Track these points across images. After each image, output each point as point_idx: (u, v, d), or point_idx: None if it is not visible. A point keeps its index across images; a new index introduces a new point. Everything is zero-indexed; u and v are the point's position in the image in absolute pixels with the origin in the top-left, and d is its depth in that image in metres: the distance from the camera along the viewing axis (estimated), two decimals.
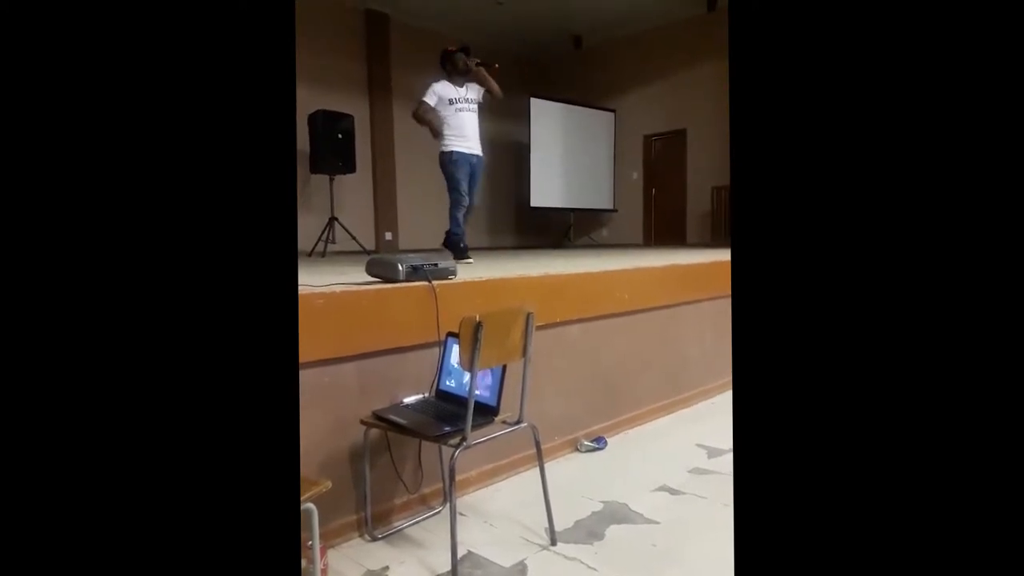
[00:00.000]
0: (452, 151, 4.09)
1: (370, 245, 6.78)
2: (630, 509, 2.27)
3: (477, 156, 4.20)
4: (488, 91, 4.14)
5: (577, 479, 2.56)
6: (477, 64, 4.06)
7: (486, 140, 8.37)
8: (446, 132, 4.08)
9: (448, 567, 1.83)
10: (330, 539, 2.01)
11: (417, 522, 2.22)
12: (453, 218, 4.22)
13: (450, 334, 2.12)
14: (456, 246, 4.19)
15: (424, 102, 4.01)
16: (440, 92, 4.02)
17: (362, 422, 2.03)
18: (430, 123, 4.05)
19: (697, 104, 7.76)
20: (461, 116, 4.08)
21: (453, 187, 4.17)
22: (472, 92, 4.12)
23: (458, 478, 2.29)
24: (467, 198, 4.18)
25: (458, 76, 4.08)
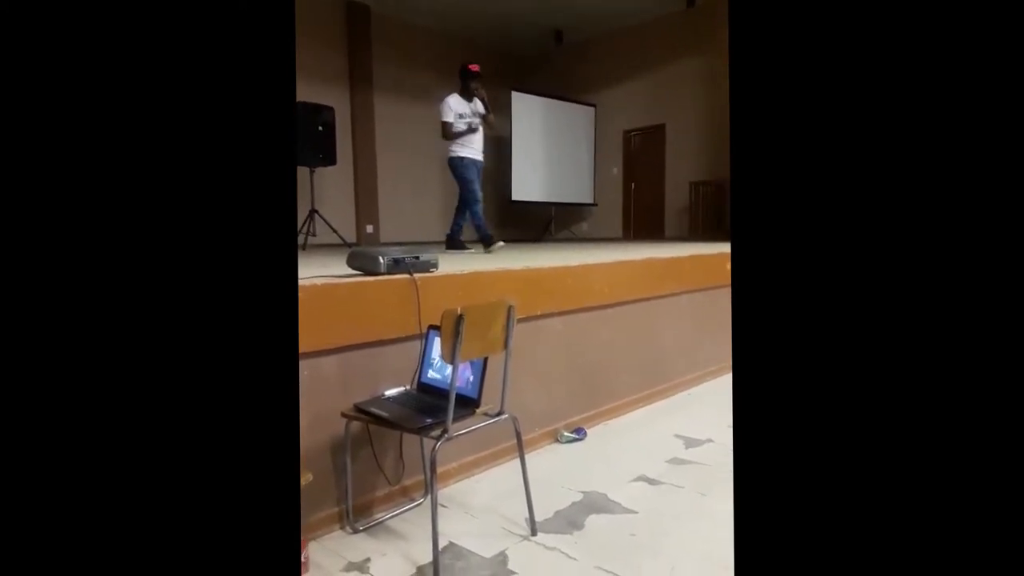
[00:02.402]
0: (463, 156, 4.65)
1: (351, 238, 6.73)
2: (609, 499, 2.30)
3: (481, 161, 4.79)
4: (485, 115, 4.72)
5: (557, 470, 2.59)
6: (482, 98, 4.67)
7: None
8: (458, 140, 4.63)
9: (429, 558, 1.84)
10: (311, 532, 2.01)
11: (398, 514, 2.23)
12: (474, 214, 4.75)
13: (432, 327, 2.12)
14: (485, 237, 4.72)
15: (447, 123, 4.57)
16: (455, 108, 4.59)
17: (343, 415, 2.03)
18: (455, 134, 4.61)
19: (676, 99, 7.81)
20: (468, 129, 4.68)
21: (468, 188, 4.70)
22: (478, 107, 4.72)
23: (439, 470, 2.30)
24: (480, 194, 4.72)
25: (466, 94, 4.65)
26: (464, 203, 4.78)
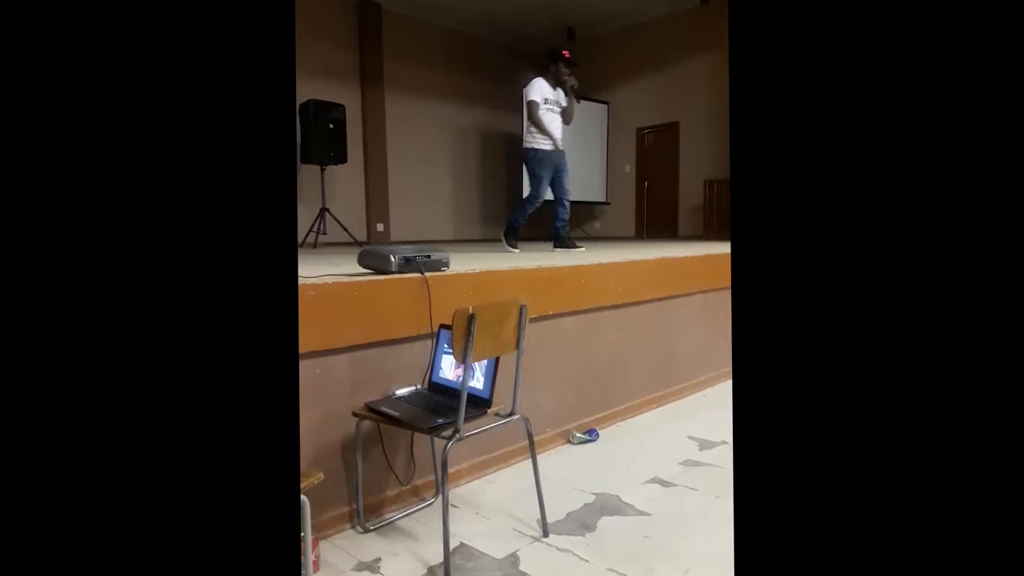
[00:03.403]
0: (538, 149, 4.28)
1: (361, 236, 6.75)
2: (622, 501, 2.28)
3: (561, 152, 4.41)
4: (566, 106, 4.37)
5: (569, 471, 2.57)
6: (572, 86, 4.33)
7: (478, 130, 8.30)
8: (534, 130, 4.29)
9: (440, 559, 1.83)
10: (322, 531, 2.01)
11: (409, 514, 2.22)
12: (521, 208, 4.44)
13: (443, 326, 2.11)
14: (511, 234, 4.47)
15: (534, 102, 4.22)
16: (543, 90, 4.25)
17: (354, 414, 2.02)
18: (544, 126, 4.23)
19: (690, 97, 7.75)
20: (550, 116, 4.29)
21: (535, 184, 4.36)
22: (560, 96, 4.38)
23: (450, 470, 2.29)
24: (543, 196, 4.39)
25: (552, 79, 4.33)
26: (529, 195, 4.40)
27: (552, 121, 4.31)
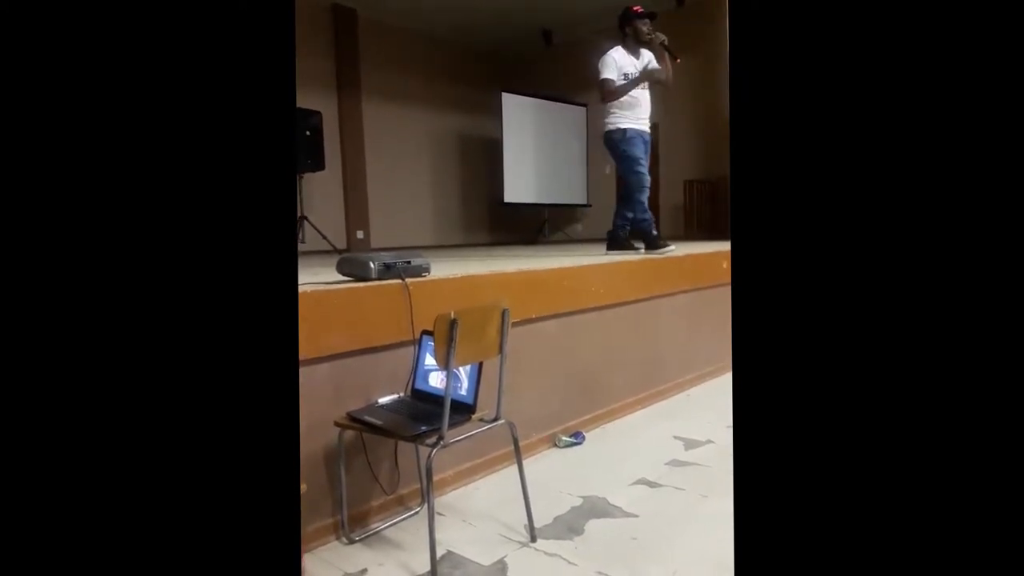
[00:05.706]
0: (626, 128, 3.65)
1: (341, 244, 6.69)
2: (609, 503, 2.27)
3: (649, 133, 3.78)
4: (660, 68, 3.73)
5: (555, 475, 2.56)
6: (661, 42, 3.69)
7: (457, 135, 8.26)
8: (615, 107, 3.68)
9: (427, 567, 1.81)
10: (306, 543, 1.98)
11: (395, 523, 2.19)
12: (638, 203, 3.71)
13: (425, 332, 2.09)
14: (648, 234, 3.76)
15: (608, 80, 3.64)
16: (620, 64, 3.65)
17: (336, 424, 2.00)
18: (622, 95, 3.63)
19: (668, 99, 7.79)
20: (635, 91, 3.71)
21: (632, 168, 3.68)
22: (647, 63, 3.76)
23: (436, 477, 2.27)
24: (647, 176, 3.70)
25: (635, 44, 3.73)
26: (629, 189, 3.67)
27: (639, 95, 3.68)
